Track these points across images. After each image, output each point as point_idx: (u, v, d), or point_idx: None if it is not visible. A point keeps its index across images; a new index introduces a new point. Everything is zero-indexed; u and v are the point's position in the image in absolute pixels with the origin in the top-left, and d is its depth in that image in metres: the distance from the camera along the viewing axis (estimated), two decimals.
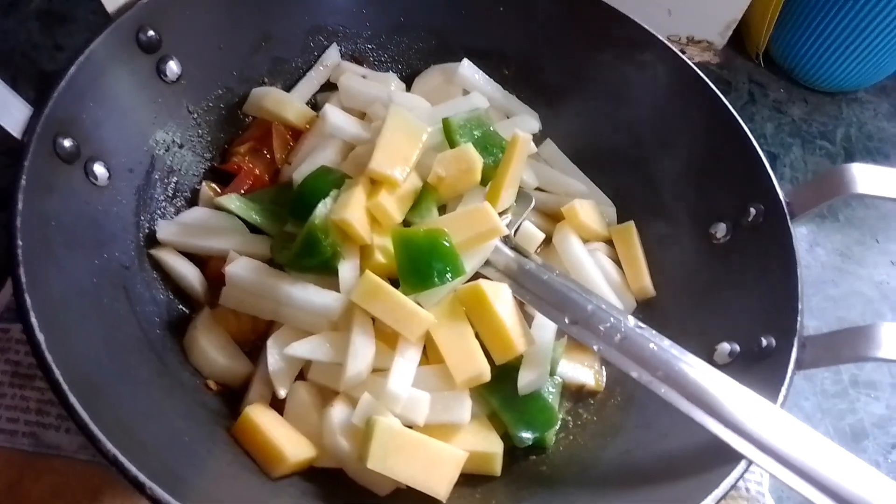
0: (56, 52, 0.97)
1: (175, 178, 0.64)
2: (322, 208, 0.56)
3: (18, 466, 0.54)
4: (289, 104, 0.67)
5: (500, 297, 0.58)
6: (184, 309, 0.59)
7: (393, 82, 0.72)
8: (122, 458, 0.40)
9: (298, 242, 0.55)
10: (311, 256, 0.55)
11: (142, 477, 0.40)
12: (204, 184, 0.66)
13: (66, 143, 0.52)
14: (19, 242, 0.45)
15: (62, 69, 0.54)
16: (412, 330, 0.54)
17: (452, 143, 0.63)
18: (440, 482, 0.51)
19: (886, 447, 0.86)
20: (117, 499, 0.55)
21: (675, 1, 1.12)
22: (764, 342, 0.55)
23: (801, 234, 1.04)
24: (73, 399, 0.41)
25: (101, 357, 0.48)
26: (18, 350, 0.58)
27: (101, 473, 0.55)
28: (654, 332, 0.56)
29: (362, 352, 0.53)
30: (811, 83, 1.21)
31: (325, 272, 0.56)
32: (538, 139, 0.74)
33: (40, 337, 0.43)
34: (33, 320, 0.43)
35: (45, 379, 0.42)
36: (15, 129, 0.50)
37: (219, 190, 0.65)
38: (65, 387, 0.41)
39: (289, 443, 0.51)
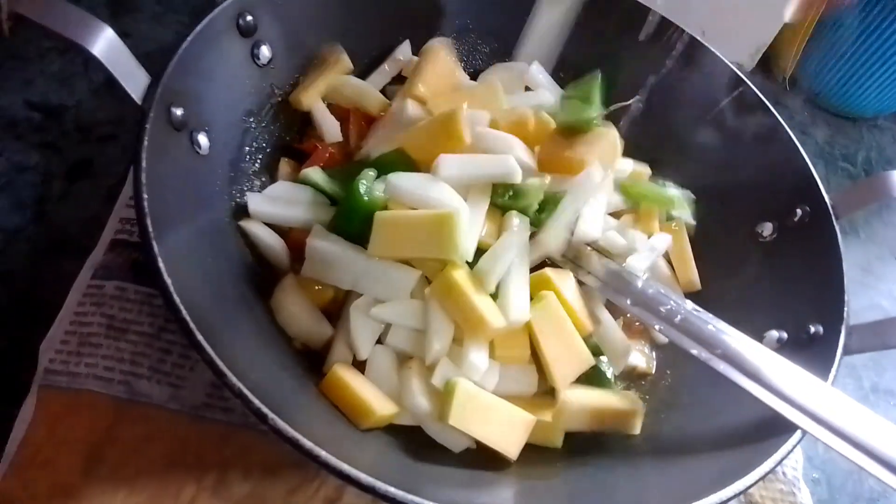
0: (124, 39, 1.01)
1: (261, 155, 0.68)
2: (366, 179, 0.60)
3: (114, 411, 0.57)
4: (368, 93, 0.72)
5: (565, 283, 0.62)
6: (270, 275, 0.63)
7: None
8: (246, 391, 0.44)
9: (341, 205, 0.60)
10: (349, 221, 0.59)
11: (265, 409, 0.43)
12: (283, 160, 0.70)
13: (178, 111, 0.56)
14: (145, 195, 0.49)
15: (173, 43, 0.58)
16: (478, 336, 0.57)
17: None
18: (512, 442, 0.55)
19: None
20: (202, 447, 0.58)
21: (709, 24, 1.18)
22: (812, 329, 0.60)
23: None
24: (200, 337, 0.45)
25: (212, 307, 0.52)
26: (112, 305, 0.62)
27: (188, 423, 0.58)
28: (710, 314, 0.60)
29: (441, 332, 0.57)
30: (833, 108, 1.27)
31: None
32: None
33: (168, 280, 0.46)
34: (161, 265, 0.47)
35: (174, 320, 0.45)
36: (137, 95, 0.54)
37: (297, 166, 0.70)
38: (192, 325, 0.45)
39: (375, 398, 0.54)
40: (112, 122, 0.90)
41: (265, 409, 0.43)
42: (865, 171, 1.20)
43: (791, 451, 0.51)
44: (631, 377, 0.68)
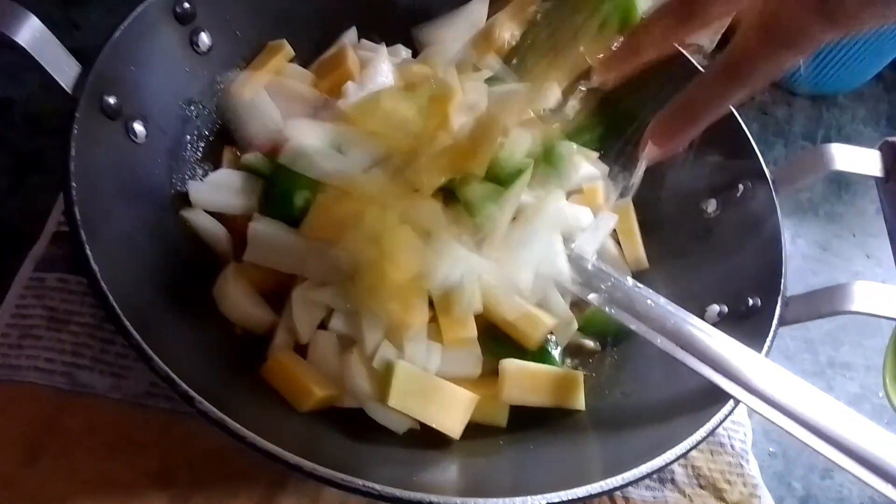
0: (74, 31, 1.01)
1: (203, 143, 0.68)
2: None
3: (55, 402, 0.57)
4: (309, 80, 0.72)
5: None
6: (212, 262, 0.63)
7: (403, 52, 0.76)
8: (172, 374, 0.44)
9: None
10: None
11: (191, 391, 0.43)
12: (226, 148, 0.70)
13: (111, 100, 0.56)
14: (73, 184, 0.49)
15: (104, 36, 0.58)
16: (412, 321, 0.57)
17: None
18: (454, 421, 0.55)
19: None
20: (145, 435, 0.58)
21: None
22: (750, 301, 0.60)
23: (783, 226, 1.10)
24: (126, 322, 0.45)
25: (144, 294, 0.52)
26: (54, 297, 0.62)
27: (131, 412, 0.58)
28: (650, 290, 0.61)
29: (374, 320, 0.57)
30: (793, 87, 1.28)
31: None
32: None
33: (95, 267, 0.46)
34: (88, 252, 0.47)
35: (101, 306, 0.45)
36: (67, 84, 0.54)
37: (239, 154, 0.69)
38: (118, 310, 0.45)
39: (313, 380, 0.54)
40: (62, 114, 0.89)
41: (192, 392, 0.43)
42: None
43: (724, 419, 0.52)
44: (578, 354, 0.68)
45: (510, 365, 0.60)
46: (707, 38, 1.25)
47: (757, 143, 1.19)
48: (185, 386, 0.43)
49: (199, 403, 0.43)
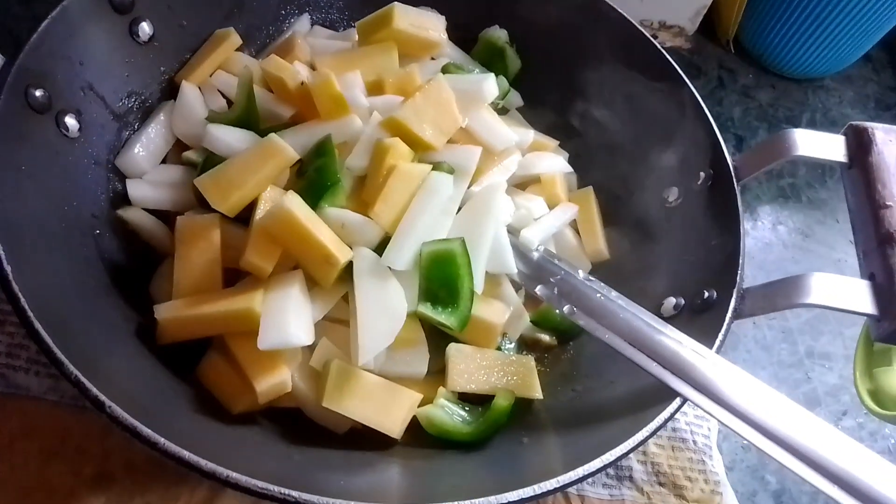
0: (35, 23, 0.98)
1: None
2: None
3: None
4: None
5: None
6: (151, 258, 0.61)
7: (356, 36, 0.73)
8: (83, 378, 0.42)
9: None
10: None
11: (102, 396, 0.42)
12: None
13: (38, 93, 0.54)
14: None
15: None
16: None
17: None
18: (394, 421, 0.54)
19: (838, 414, 0.90)
20: (84, 439, 0.56)
21: None
22: (706, 294, 0.58)
23: (764, 213, 1.07)
24: (36, 324, 0.43)
25: (69, 296, 0.50)
26: None
27: (68, 414, 0.57)
28: (602, 284, 0.59)
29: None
30: (779, 70, 1.25)
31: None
32: (499, 110, 0.77)
33: (7, 268, 0.45)
34: (1, 253, 0.45)
35: (13, 308, 0.44)
36: None
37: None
38: (30, 313, 0.43)
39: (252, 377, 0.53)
40: None
41: (102, 397, 0.42)
42: None
43: (669, 419, 0.50)
44: (534, 348, 0.66)
45: (456, 350, 0.58)
46: (688, 19, 1.22)
47: (739, 128, 1.17)
48: (95, 391, 0.42)
49: (109, 408, 0.42)
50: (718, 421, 0.48)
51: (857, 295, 0.52)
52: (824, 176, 1.14)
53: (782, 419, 0.47)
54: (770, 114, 1.19)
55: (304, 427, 0.55)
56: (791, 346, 0.94)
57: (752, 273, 0.93)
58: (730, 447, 0.75)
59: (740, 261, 0.58)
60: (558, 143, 0.75)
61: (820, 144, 0.61)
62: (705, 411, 0.49)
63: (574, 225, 0.72)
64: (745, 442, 0.83)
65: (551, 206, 0.69)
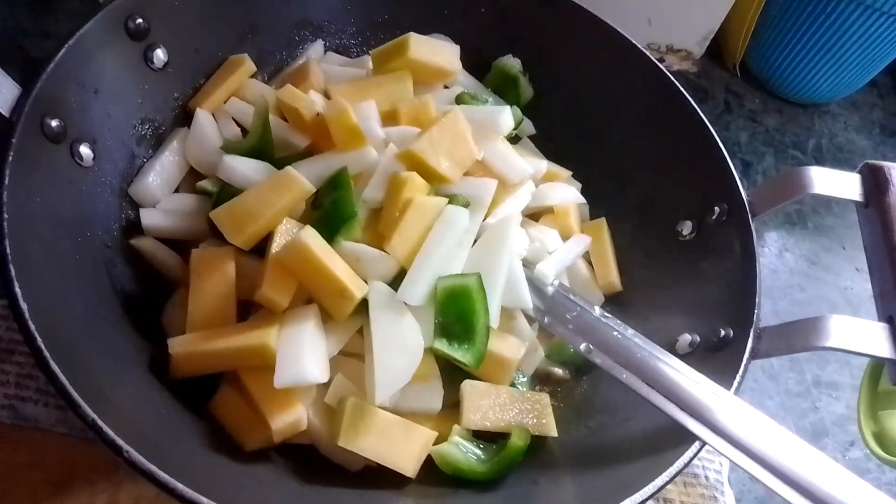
0: (43, 40, 0.98)
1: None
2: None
3: None
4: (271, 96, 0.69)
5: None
6: (163, 288, 0.60)
7: (370, 64, 0.73)
8: (100, 422, 0.41)
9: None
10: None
11: (119, 440, 0.41)
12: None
13: (54, 123, 0.54)
14: (6, 216, 0.47)
15: (51, 53, 0.55)
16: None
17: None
18: (409, 460, 0.53)
19: (845, 445, 0.89)
20: (93, 472, 0.56)
21: (654, 10, 1.15)
22: (722, 332, 0.58)
23: (770, 239, 1.07)
24: (53, 365, 0.43)
25: (81, 330, 0.49)
26: None
27: (78, 447, 0.56)
28: (618, 321, 0.59)
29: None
30: (785, 95, 1.25)
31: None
32: (511, 139, 0.77)
33: (24, 305, 0.44)
34: (17, 289, 0.44)
35: (27, 346, 0.43)
36: (3, 107, 0.51)
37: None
38: (46, 353, 0.43)
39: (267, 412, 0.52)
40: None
41: (119, 441, 0.41)
42: (815, 159, 1.18)
43: (688, 464, 0.49)
44: (547, 382, 0.66)
45: (471, 387, 0.58)
46: (696, 43, 1.22)
47: (746, 153, 1.17)
48: (112, 434, 0.41)
49: (126, 453, 0.41)
50: (739, 467, 0.48)
51: (875, 339, 0.52)
52: (830, 203, 1.13)
53: (803, 466, 0.47)
54: (777, 139, 1.19)
55: (318, 464, 0.54)
56: (798, 374, 0.93)
57: None
58: (737, 478, 0.75)
59: (757, 300, 0.58)
60: (571, 173, 0.75)
61: (835, 183, 0.61)
62: (724, 456, 0.49)
63: (586, 256, 0.72)
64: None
65: (564, 238, 0.68)
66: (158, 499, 0.55)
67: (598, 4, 0.75)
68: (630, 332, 0.57)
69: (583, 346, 0.57)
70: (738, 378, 0.54)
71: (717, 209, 0.65)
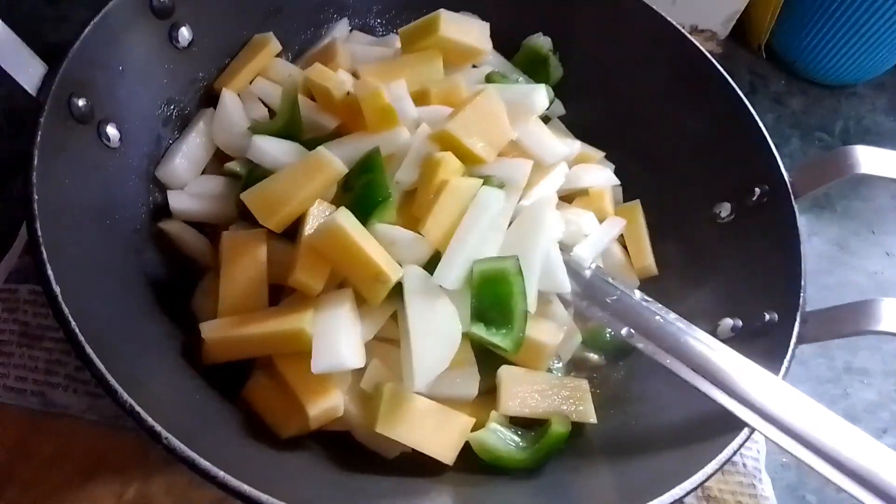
0: (60, 24, 0.96)
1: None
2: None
3: (26, 424, 0.54)
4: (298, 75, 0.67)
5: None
6: (192, 273, 0.59)
7: (397, 43, 0.71)
8: (138, 408, 0.40)
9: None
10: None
11: (158, 427, 0.40)
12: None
13: (81, 103, 0.52)
14: (35, 197, 0.45)
15: (70, 37, 0.54)
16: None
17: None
18: (446, 447, 0.52)
19: (877, 432, 0.88)
20: (124, 460, 0.55)
21: None
22: (766, 317, 0.56)
23: (798, 223, 1.05)
24: (89, 350, 0.41)
25: (113, 315, 0.48)
26: (27, 310, 0.58)
27: (107, 434, 0.55)
28: (659, 305, 0.57)
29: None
30: (811, 76, 1.22)
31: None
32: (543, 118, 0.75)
33: (57, 289, 0.43)
34: (50, 273, 0.43)
35: (62, 330, 0.42)
36: (31, 86, 0.50)
37: None
38: (81, 338, 0.42)
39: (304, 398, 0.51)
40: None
41: (158, 428, 0.40)
42: (843, 142, 1.16)
43: (738, 448, 0.48)
44: (582, 368, 0.64)
45: (508, 373, 0.56)
46: (720, 24, 1.20)
47: (772, 136, 1.14)
48: (151, 421, 0.40)
49: (166, 440, 0.40)
50: (792, 454, 0.47)
51: None
52: (858, 186, 1.11)
53: (858, 454, 0.45)
54: (803, 121, 1.17)
55: (353, 451, 0.53)
56: (829, 361, 0.92)
57: None
58: (769, 464, 0.73)
59: (802, 282, 0.56)
60: (604, 154, 0.73)
61: (881, 162, 0.59)
62: (774, 442, 0.48)
63: (620, 240, 0.70)
64: (784, 460, 0.82)
65: (599, 221, 0.67)
66: (191, 487, 0.54)
67: None
68: (672, 316, 0.55)
69: (624, 331, 0.56)
70: (785, 363, 0.52)
71: (757, 190, 0.63)
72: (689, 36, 0.70)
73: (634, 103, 0.74)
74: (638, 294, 0.58)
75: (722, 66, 1.21)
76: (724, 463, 0.47)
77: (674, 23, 0.71)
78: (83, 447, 0.54)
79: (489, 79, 0.68)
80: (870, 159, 0.58)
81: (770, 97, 1.19)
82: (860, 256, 1.04)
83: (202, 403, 0.49)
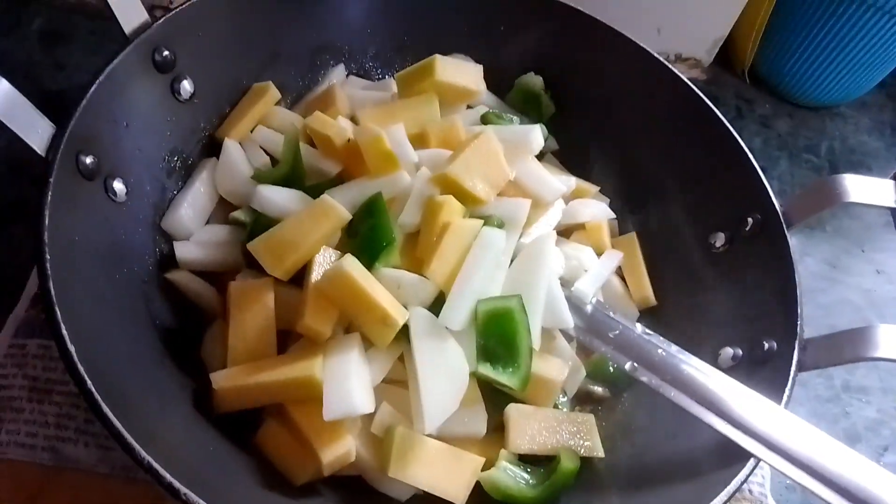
0: (56, 71, 0.98)
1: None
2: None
3: (38, 480, 0.54)
4: (296, 122, 0.69)
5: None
6: (199, 321, 0.60)
7: (394, 87, 0.73)
8: (156, 465, 0.41)
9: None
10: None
11: (177, 483, 0.40)
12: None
13: (88, 160, 0.53)
14: (48, 256, 0.46)
15: (66, 85, 0.55)
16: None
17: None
18: (458, 487, 0.52)
19: (879, 449, 0.88)
20: None
21: (664, 19, 1.15)
22: (766, 345, 0.57)
23: (791, 251, 1.07)
24: (106, 408, 0.42)
25: (126, 369, 0.49)
26: (35, 365, 0.59)
27: (120, 486, 0.56)
28: (661, 338, 0.58)
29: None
30: (796, 99, 1.25)
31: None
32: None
33: (72, 348, 0.43)
34: (64, 332, 0.44)
35: (78, 389, 0.42)
36: (40, 146, 0.51)
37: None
38: (97, 396, 0.42)
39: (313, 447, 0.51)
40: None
41: (177, 485, 0.41)
42: (829, 162, 1.18)
43: (745, 480, 0.49)
44: (587, 401, 0.65)
45: (516, 410, 0.57)
46: (705, 51, 1.22)
47: (760, 159, 1.15)
48: (169, 478, 0.41)
49: (185, 496, 0.40)
50: (799, 483, 0.47)
51: None
52: (847, 205, 1.14)
53: (865, 481, 0.46)
54: (790, 143, 1.19)
55: (366, 494, 0.54)
56: (827, 380, 0.93)
57: None
58: (773, 487, 0.74)
59: (799, 310, 0.58)
60: (598, 188, 0.75)
61: (870, 190, 0.61)
62: (780, 472, 0.49)
63: (618, 271, 0.71)
64: (788, 482, 0.83)
65: (597, 254, 0.68)
66: None
67: (608, 15, 0.75)
68: (674, 348, 0.57)
69: (628, 365, 0.57)
70: (786, 392, 0.53)
71: (750, 220, 0.65)
72: (675, 70, 0.72)
73: (625, 137, 0.76)
74: (639, 328, 0.59)
75: (708, 92, 1.23)
76: (732, 495, 0.48)
77: (660, 58, 0.73)
78: (96, 500, 0.55)
79: (485, 119, 0.70)
80: (858, 188, 0.60)
81: (757, 121, 1.21)
82: (852, 274, 1.06)
83: (216, 453, 0.50)
